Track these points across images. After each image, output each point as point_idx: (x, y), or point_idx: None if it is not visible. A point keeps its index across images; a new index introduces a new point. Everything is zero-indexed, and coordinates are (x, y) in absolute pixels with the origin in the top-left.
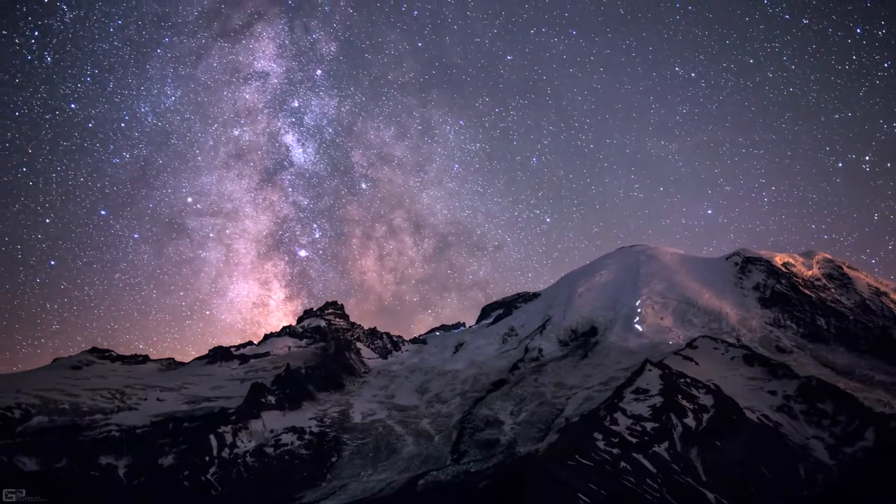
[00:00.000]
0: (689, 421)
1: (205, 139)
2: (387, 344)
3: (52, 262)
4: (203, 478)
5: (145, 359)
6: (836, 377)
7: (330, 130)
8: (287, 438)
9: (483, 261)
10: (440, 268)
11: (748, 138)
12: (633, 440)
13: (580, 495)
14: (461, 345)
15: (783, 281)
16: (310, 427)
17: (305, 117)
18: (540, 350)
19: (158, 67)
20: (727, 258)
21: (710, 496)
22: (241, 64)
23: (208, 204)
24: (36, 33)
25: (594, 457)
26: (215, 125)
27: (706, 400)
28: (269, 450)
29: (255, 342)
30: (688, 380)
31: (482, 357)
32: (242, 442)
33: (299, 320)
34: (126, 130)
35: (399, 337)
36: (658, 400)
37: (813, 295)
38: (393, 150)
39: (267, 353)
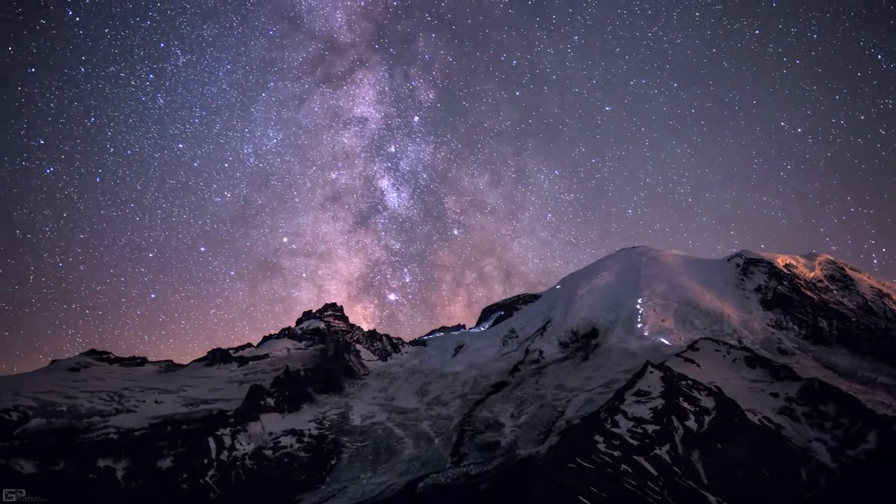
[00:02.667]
0: (691, 423)
1: (303, 181)
2: (386, 346)
3: (153, 296)
4: (201, 480)
5: (143, 361)
6: (839, 379)
7: (424, 176)
8: (286, 441)
9: None
10: None
11: (857, 196)
12: (635, 443)
13: (581, 498)
14: (461, 347)
15: (785, 282)
16: (309, 429)
17: (401, 162)
18: (540, 352)
19: (262, 111)
20: (729, 259)
21: (712, 499)
22: (342, 109)
23: (303, 244)
24: (151, 76)
25: (595, 459)
26: (313, 168)
27: (707, 402)
28: (268, 452)
29: (254, 344)
30: (689, 382)
31: (482, 359)
32: (241, 444)
33: (298, 322)
34: (229, 170)
35: (399, 339)
36: (659, 402)
37: (815, 297)
38: (486, 197)
39: (266, 356)
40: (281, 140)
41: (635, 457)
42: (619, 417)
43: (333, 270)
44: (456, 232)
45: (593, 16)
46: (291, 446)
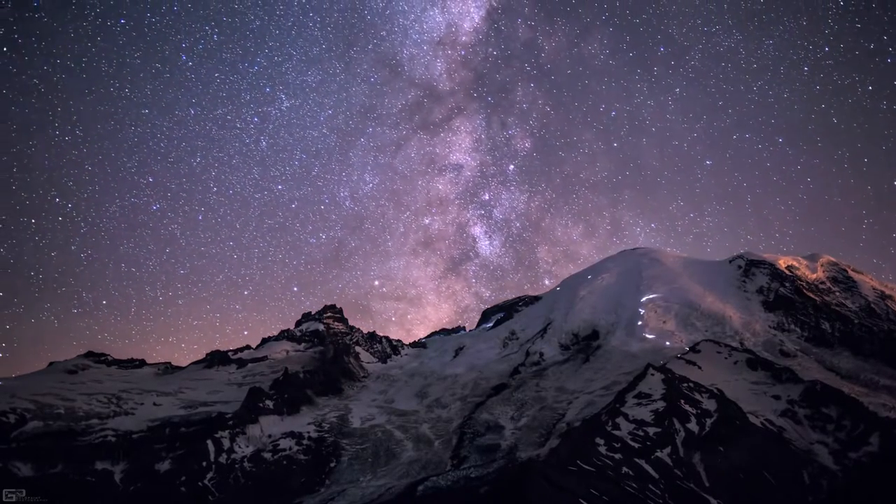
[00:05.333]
0: (692, 426)
1: (396, 225)
2: (386, 348)
3: (245, 332)
4: (200, 483)
5: (142, 363)
6: (841, 381)
7: (517, 224)
8: (285, 443)
9: None
10: None
11: None
12: (636, 445)
13: (582, 501)
14: (461, 349)
15: (787, 284)
16: (308, 432)
17: (495, 210)
18: (541, 354)
19: (360, 155)
20: (730, 261)
21: (714, 502)
22: (438, 156)
23: (393, 288)
24: (256, 119)
25: (596, 462)
26: (407, 213)
27: (709, 404)
28: (267, 455)
29: (253, 346)
30: (691, 384)
31: (483, 361)
32: (240, 447)
33: (297, 324)
34: (325, 213)
35: (398, 341)
36: (660, 405)
37: (817, 298)
38: (579, 248)
39: (265, 358)
40: (377, 184)
41: (636, 459)
42: (620, 420)
43: (422, 315)
44: (547, 282)
45: (696, 69)
46: (290, 449)
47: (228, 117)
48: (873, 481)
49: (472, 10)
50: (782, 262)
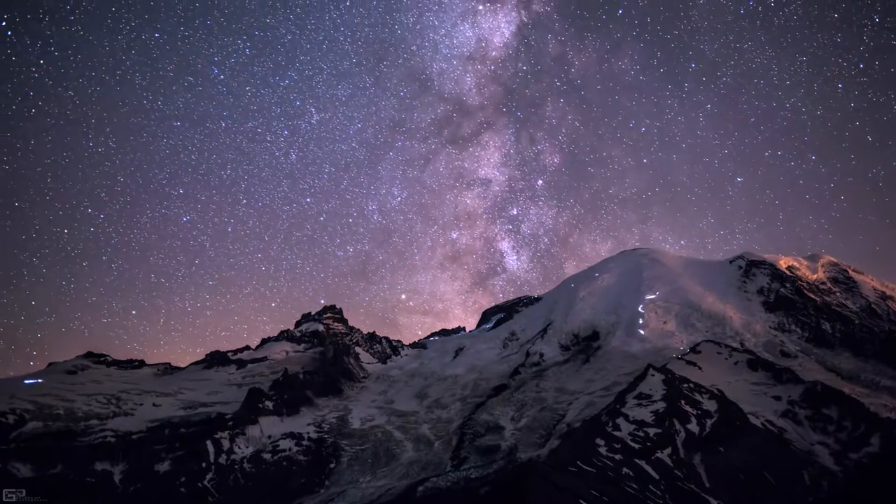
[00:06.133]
0: (693, 426)
1: (424, 239)
2: (386, 349)
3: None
4: (200, 484)
5: (141, 363)
6: (842, 382)
7: (545, 240)
8: (285, 444)
9: None
10: None
11: None
12: (636, 446)
13: (582, 502)
14: (461, 349)
15: (788, 285)
16: (308, 433)
17: (523, 225)
18: (541, 355)
19: (389, 169)
20: (731, 261)
21: (714, 503)
22: (466, 170)
23: (420, 302)
24: (286, 132)
25: (596, 463)
26: (435, 227)
27: (710, 405)
28: (267, 456)
29: (252, 347)
30: (691, 385)
31: (483, 362)
32: (240, 448)
33: (297, 324)
34: (353, 226)
35: (398, 342)
36: (661, 405)
37: (818, 299)
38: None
39: (264, 358)
40: (405, 198)
41: (637, 460)
42: (620, 420)
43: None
44: None
45: (728, 85)
46: (290, 449)
47: (259, 130)
48: (874, 482)
49: (502, 25)
50: (783, 263)
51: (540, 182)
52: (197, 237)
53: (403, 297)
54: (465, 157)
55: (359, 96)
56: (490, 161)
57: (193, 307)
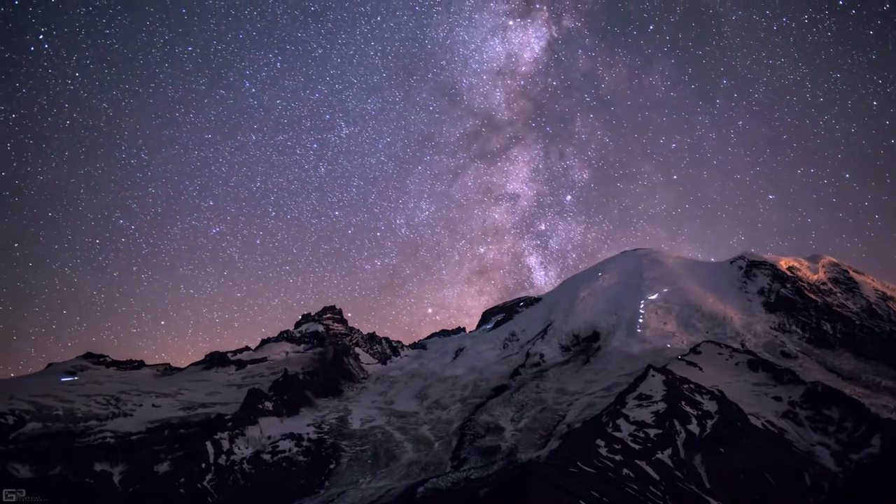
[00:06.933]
0: (693, 427)
1: (451, 254)
2: (386, 349)
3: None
4: (199, 485)
5: (140, 364)
6: (842, 383)
7: (573, 256)
8: (285, 445)
9: None
10: None
11: None
12: (636, 447)
13: (582, 503)
14: (461, 350)
15: (788, 285)
16: (308, 433)
17: (550, 241)
18: (541, 355)
19: (417, 183)
20: (731, 262)
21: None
22: (495, 185)
23: (447, 316)
24: (315, 146)
25: (596, 464)
26: (462, 241)
27: (710, 406)
28: (267, 457)
29: (252, 347)
30: (691, 385)
31: (483, 362)
32: (239, 448)
33: (297, 325)
34: (381, 240)
35: (398, 342)
36: (661, 406)
37: (818, 299)
38: None
39: (264, 359)
40: (433, 212)
41: (637, 461)
42: (620, 421)
43: None
44: None
45: (760, 101)
46: (290, 450)
47: (289, 143)
48: (875, 483)
49: (532, 40)
50: (783, 263)
51: (568, 198)
52: (226, 249)
53: (430, 311)
54: (493, 172)
55: (388, 110)
56: (519, 176)
57: (222, 319)
